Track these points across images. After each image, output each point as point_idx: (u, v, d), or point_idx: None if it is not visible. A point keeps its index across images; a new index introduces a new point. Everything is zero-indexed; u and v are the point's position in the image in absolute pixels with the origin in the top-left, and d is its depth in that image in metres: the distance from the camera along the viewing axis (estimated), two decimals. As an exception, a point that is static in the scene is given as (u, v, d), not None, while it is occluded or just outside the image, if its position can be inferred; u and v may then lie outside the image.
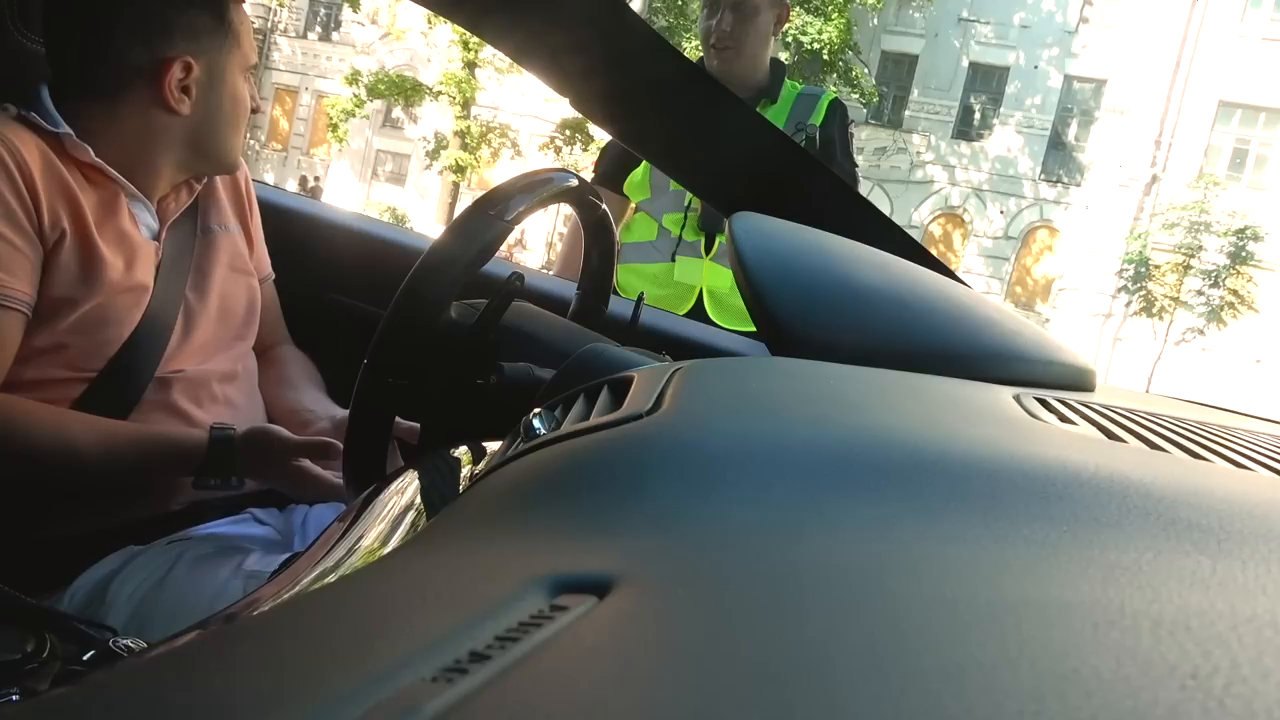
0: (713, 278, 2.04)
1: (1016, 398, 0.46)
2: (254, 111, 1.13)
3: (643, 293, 1.09)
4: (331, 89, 21.08)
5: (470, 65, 17.56)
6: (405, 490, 0.55)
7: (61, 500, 1.00)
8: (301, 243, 1.43)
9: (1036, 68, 20.48)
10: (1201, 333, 17.94)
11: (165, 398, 1.04)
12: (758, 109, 2.03)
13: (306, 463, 1.01)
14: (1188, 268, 18.16)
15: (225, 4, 1.04)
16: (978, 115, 21.19)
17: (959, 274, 0.97)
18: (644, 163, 2.08)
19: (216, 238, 1.14)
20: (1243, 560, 0.24)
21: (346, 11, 20.35)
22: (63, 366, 0.98)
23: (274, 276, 1.25)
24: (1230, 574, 0.23)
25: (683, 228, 2.04)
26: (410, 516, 0.50)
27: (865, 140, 20.28)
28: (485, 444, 0.61)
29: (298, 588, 0.46)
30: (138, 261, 1.02)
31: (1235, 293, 17.96)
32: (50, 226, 0.94)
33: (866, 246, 0.68)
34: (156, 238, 1.06)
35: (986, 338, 0.60)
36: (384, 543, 0.48)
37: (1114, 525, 0.26)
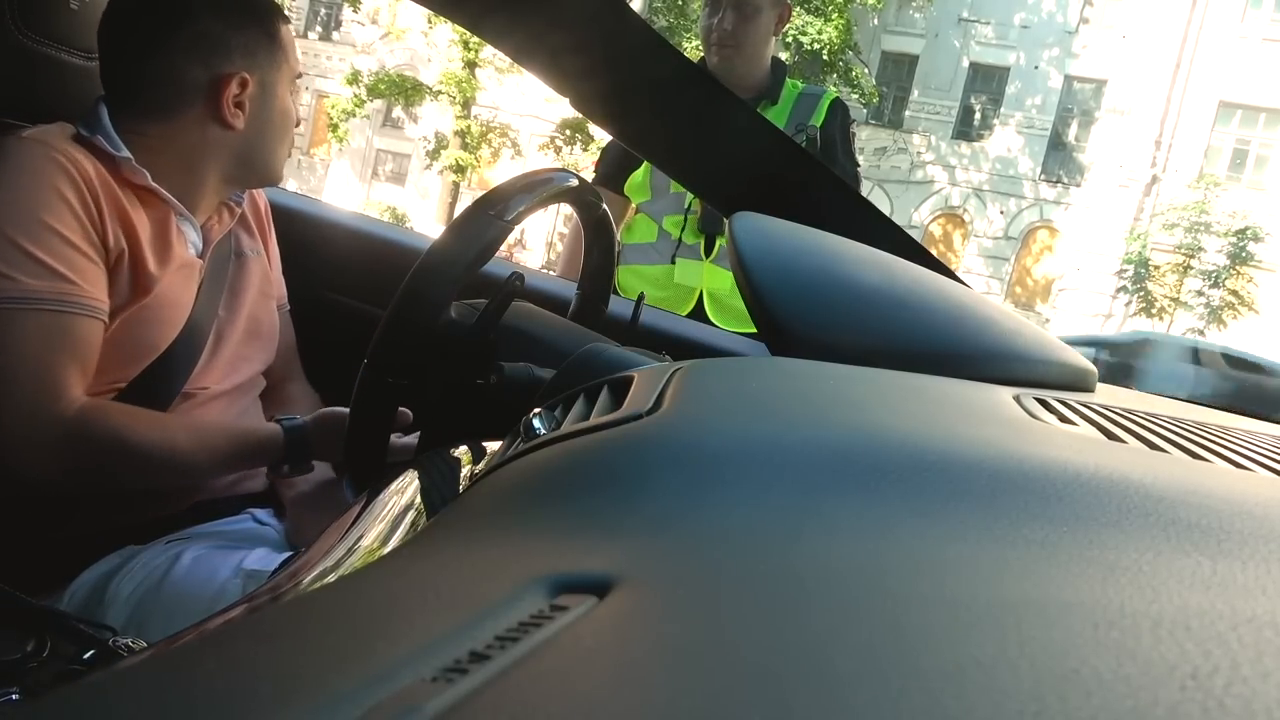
0: (713, 280, 2.04)
1: (1016, 398, 0.46)
2: (296, 127, 1.14)
3: (643, 293, 1.09)
4: (332, 89, 21.06)
5: (470, 65, 17.54)
6: (405, 490, 0.55)
7: (69, 503, 1.00)
8: (301, 243, 1.43)
9: (1037, 68, 20.47)
10: (1201, 333, 17.92)
11: (184, 413, 1.05)
12: (758, 109, 2.02)
13: None
14: (1188, 268, 18.16)
15: (277, 21, 1.07)
16: (978, 115, 21.18)
17: (959, 274, 0.97)
18: (644, 164, 2.08)
19: (249, 261, 1.16)
20: (1243, 560, 0.24)
21: (346, 11, 20.32)
22: (97, 378, 0.98)
23: (289, 308, 1.26)
24: (1230, 574, 0.23)
25: (682, 230, 2.04)
26: (410, 516, 0.49)
27: (865, 140, 20.27)
28: (485, 444, 0.61)
29: (298, 588, 0.46)
30: (183, 278, 1.04)
31: (1235, 293, 17.95)
32: (111, 244, 0.96)
33: (866, 246, 0.68)
34: (201, 256, 1.08)
35: (986, 338, 0.60)
36: (384, 543, 0.48)
37: (1114, 525, 0.26)
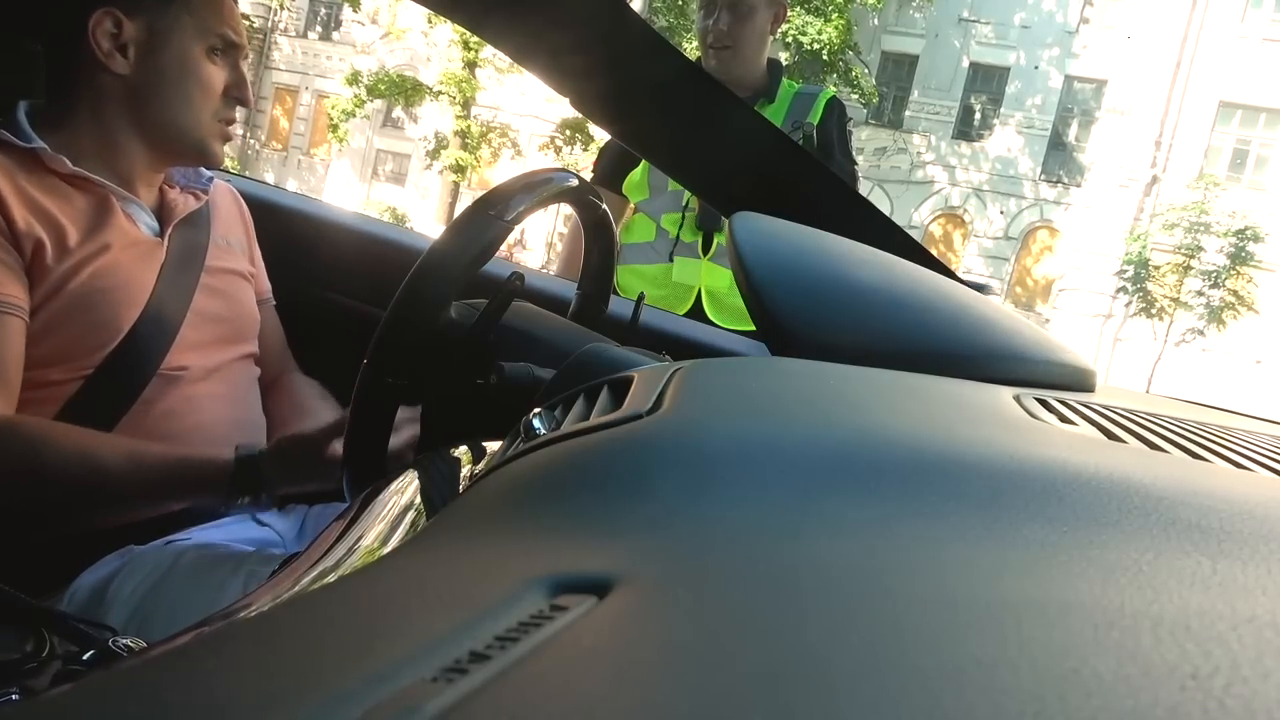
0: (711, 278, 2.04)
1: (1016, 398, 0.46)
2: (243, 104, 1.12)
3: (643, 293, 1.09)
4: (332, 89, 21.08)
5: (470, 65, 17.56)
6: (405, 490, 0.55)
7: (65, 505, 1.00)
8: (301, 243, 1.43)
9: (1037, 68, 20.47)
10: (1201, 333, 17.93)
11: (167, 394, 1.05)
12: (755, 108, 2.03)
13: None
14: (1188, 268, 18.15)
15: None
16: (978, 115, 21.18)
17: (959, 274, 0.97)
18: (643, 163, 2.08)
19: (225, 250, 1.16)
20: (1243, 560, 0.24)
21: (346, 11, 20.34)
22: (60, 366, 0.98)
23: (274, 303, 1.27)
24: (1230, 574, 0.23)
25: (680, 228, 2.04)
26: (410, 516, 0.49)
27: (865, 140, 20.28)
28: (485, 444, 0.61)
29: (298, 588, 0.46)
30: (134, 259, 1.03)
31: (1235, 293, 17.94)
32: (24, 236, 0.95)
33: (866, 246, 0.68)
34: (160, 236, 1.07)
35: (986, 338, 0.60)
36: (384, 543, 0.48)
37: (1114, 525, 0.26)
